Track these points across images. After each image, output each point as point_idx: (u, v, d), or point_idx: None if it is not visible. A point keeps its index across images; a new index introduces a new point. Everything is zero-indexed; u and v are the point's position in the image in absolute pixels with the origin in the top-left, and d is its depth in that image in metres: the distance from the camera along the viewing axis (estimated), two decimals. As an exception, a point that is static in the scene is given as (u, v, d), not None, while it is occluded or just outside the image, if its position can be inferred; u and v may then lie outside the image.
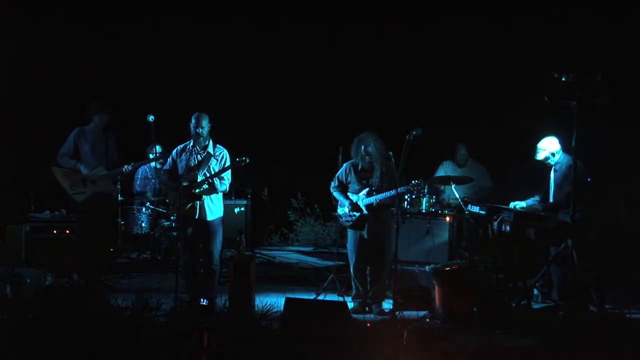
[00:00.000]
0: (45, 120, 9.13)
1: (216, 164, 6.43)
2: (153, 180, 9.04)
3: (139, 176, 9.05)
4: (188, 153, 6.44)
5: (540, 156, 6.81)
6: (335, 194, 6.71)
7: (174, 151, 6.56)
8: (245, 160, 6.24)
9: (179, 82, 10.08)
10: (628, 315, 5.94)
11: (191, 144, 6.45)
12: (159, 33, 10.01)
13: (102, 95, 7.67)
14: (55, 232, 7.67)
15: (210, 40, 10.26)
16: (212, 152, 6.45)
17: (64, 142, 7.24)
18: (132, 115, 7.93)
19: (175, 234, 8.10)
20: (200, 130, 6.36)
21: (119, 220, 8.56)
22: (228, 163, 6.45)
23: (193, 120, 6.40)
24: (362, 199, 6.47)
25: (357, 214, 6.47)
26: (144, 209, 8.84)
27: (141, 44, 9.97)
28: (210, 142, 6.48)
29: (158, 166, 8.35)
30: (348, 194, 6.60)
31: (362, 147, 6.43)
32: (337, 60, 10.28)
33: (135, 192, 9.00)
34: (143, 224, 8.84)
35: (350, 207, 6.51)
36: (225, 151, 6.52)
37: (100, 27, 9.70)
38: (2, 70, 9.01)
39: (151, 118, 7.16)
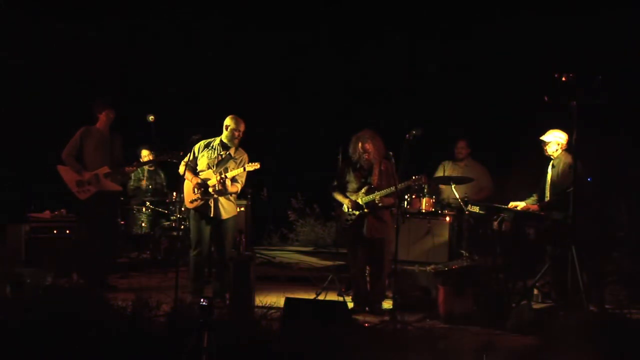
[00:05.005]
0: (45, 120, 9.13)
1: (234, 167, 6.43)
2: (146, 182, 9.05)
3: (131, 177, 9.05)
4: (210, 150, 6.47)
5: (550, 149, 6.61)
6: (335, 194, 6.69)
7: (197, 147, 6.54)
8: (256, 165, 6.27)
9: (179, 82, 10.09)
10: (628, 315, 5.93)
11: (216, 142, 6.47)
12: (159, 32, 10.02)
13: (104, 94, 7.64)
14: (55, 232, 7.66)
15: (209, 39, 10.27)
16: (232, 155, 6.46)
17: (68, 141, 7.19)
18: (132, 115, 7.91)
19: (175, 234, 8.10)
20: (238, 134, 6.38)
21: (119, 220, 8.55)
22: (245, 168, 6.46)
23: (233, 123, 6.42)
24: (361, 197, 6.46)
25: (357, 213, 6.47)
26: (144, 209, 8.85)
27: (141, 44, 9.98)
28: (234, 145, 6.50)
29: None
30: (347, 193, 6.60)
31: (360, 144, 6.43)
32: (337, 59, 10.29)
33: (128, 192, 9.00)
34: (143, 224, 8.85)
35: (349, 206, 6.51)
36: (245, 155, 6.52)
37: (101, 27, 9.72)
38: (3, 70, 9.02)
39: (151, 118, 7.14)
